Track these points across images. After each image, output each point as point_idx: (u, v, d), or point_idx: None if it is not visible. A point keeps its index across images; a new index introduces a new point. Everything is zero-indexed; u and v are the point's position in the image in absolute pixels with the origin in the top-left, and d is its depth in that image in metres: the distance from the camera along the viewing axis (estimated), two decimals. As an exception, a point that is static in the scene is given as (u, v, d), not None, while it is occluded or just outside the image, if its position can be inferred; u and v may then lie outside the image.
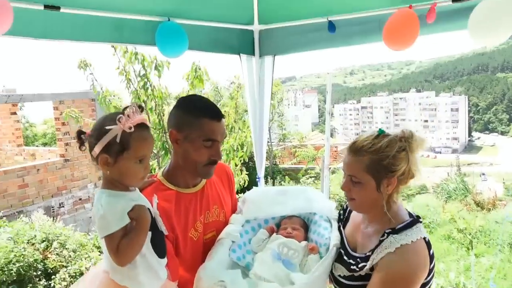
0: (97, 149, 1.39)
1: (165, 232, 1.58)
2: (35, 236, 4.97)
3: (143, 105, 1.51)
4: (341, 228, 1.87)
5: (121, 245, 1.37)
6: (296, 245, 1.89)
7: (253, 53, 3.12)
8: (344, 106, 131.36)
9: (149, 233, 1.48)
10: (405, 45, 2.35)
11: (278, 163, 18.21)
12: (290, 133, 19.86)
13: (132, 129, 1.37)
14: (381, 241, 1.55)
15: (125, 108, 1.42)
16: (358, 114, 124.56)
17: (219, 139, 1.74)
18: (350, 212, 1.89)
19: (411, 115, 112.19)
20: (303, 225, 2.06)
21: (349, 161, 1.63)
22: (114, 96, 4.83)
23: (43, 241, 4.99)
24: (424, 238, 1.55)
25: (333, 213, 2.02)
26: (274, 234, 1.97)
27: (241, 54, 3.09)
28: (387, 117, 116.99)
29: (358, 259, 1.62)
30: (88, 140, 1.43)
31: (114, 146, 1.38)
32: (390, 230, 1.56)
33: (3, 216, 7.03)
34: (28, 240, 4.98)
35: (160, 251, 1.53)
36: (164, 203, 1.71)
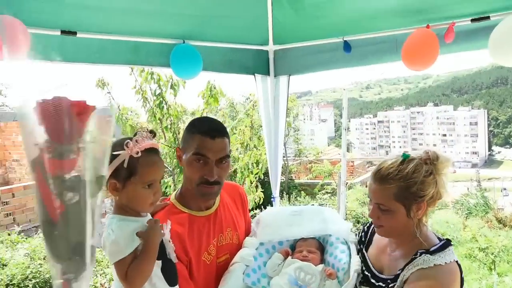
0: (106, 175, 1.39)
1: (174, 260, 1.55)
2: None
3: (155, 130, 1.51)
4: (363, 250, 1.82)
5: (129, 270, 1.36)
6: (313, 270, 1.84)
7: (268, 73, 3.12)
8: (360, 121, 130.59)
9: (159, 262, 1.46)
10: (425, 65, 2.31)
11: (294, 178, 18.11)
12: (306, 148, 19.76)
13: (139, 154, 1.37)
14: (413, 259, 1.52)
15: (136, 133, 1.43)
16: (374, 128, 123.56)
17: (209, 156, 1.69)
18: (372, 234, 1.84)
19: (429, 129, 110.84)
20: (319, 247, 2.00)
21: (376, 189, 1.59)
22: (131, 112, 4.88)
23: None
24: (457, 262, 1.52)
25: (350, 235, 1.97)
26: (289, 257, 1.93)
27: (256, 74, 3.09)
28: (404, 131, 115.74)
29: (388, 281, 1.58)
30: None
31: (122, 171, 1.37)
32: (423, 250, 1.53)
33: (22, 231, 7.12)
34: (44, 257, 5.01)
35: (170, 279, 1.51)
36: (178, 227, 1.69)
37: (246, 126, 5.18)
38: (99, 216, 1.04)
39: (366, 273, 1.71)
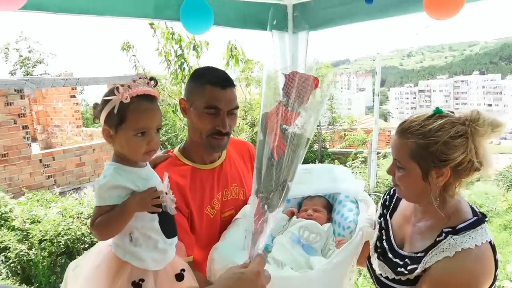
0: (102, 121, 1.37)
1: (172, 213, 1.51)
2: (82, 212, 5.21)
3: (156, 78, 1.45)
4: (387, 216, 1.63)
5: (99, 220, 1.34)
6: (318, 229, 1.78)
7: (286, 29, 2.98)
8: (400, 90, 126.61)
9: (155, 216, 1.43)
10: (449, 13, 2.11)
11: (328, 147, 17.89)
12: (340, 116, 19.32)
13: (128, 100, 1.32)
14: (437, 242, 1.32)
15: (136, 78, 1.39)
16: (415, 98, 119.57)
17: (222, 107, 1.64)
18: (399, 199, 1.62)
19: (473, 99, 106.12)
20: (325, 206, 1.94)
21: (395, 143, 1.41)
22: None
23: (90, 216, 5.21)
24: (490, 242, 1.30)
25: (360, 194, 1.88)
26: (294, 217, 1.87)
27: (273, 31, 2.96)
28: (446, 101, 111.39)
29: (406, 260, 1.40)
30: (94, 112, 1.42)
31: (113, 117, 1.34)
32: (449, 229, 1.32)
33: (62, 192, 7.47)
34: (77, 216, 5.23)
35: (168, 231, 1.48)
36: (179, 178, 1.67)
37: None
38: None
39: (385, 244, 1.53)
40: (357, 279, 4.72)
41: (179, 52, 4.55)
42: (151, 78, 1.42)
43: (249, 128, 5.42)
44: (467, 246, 1.26)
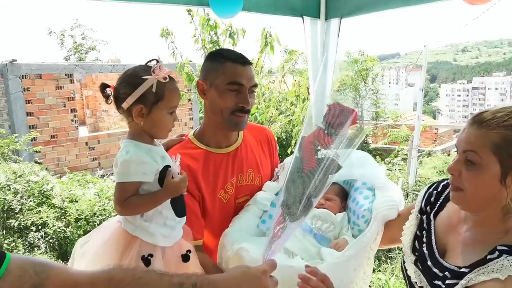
0: (130, 100, 1.40)
1: (183, 192, 1.53)
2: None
3: (167, 59, 1.48)
4: (431, 216, 1.41)
5: (131, 200, 1.38)
6: (332, 217, 1.72)
7: (318, 16, 2.88)
8: (452, 86, 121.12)
9: None
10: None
11: (369, 143, 17.47)
12: (384, 111, 18.78)
13: (167, 80, 1.39)
14: (488, 260, 1.13)
15: (149, 61, 1.43)
16: (467, 95, 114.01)
17: (244, 83, 1.64)
18: (447, 199, 1.39)
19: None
20: (339, 193, 1.86)
21: (470, 133, 1.17)
22: (189, 64, 4.91)
23: (125, 199, 5.38)
24: None
25: (378, 180, 1.77)
26: None
27: (304, 17, 2.87)
28: (502, 100, 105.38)
29: (446, 272, 1.22)
30: (118, 92, 1.43)
31: (149, 96, 1.39)
32: (505, 247, 1.13)
33: (104, 175, 7.77)
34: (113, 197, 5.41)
35: (179, 210, 1.51)
36: (191, 161, 1.67)
37: (306, 78, 4.96)
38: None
39: (425, 249, 1.34)
40: (389, 279, 4.58)
41: (214, 38, 4.56)
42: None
43: (284, 119, 5.36)
44: None
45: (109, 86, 1.45)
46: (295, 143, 5.05)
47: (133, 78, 1.40)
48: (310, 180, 1.25)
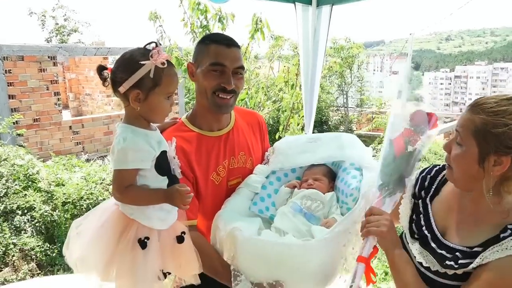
0: (126, 85, 1.38)
1: (179, 176, 1.56)
2: (105, 178, 5.36)
3: (160, 43, 1.48)
4: (427, 200, 1.48)
5: (132, 190, 1.39)
6: (321, 197, 1.77)
7: (309, 2, 2.90)
8: (435, 75, 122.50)
9: (165, 178, 1.48)
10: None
11: (354, 129, 17.63)
12: (369, 99, 18.95)
13: (166, 65, 1.38)
14: (502, 238, 1.21)
15: (148, 44, 1.41)
16: (450, 84, 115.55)
17: (227, 64, 1.67)
18: (442, 183, 1.48)
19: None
20: (326, 174, 1.91)
21: (463, 116, 1.28)
22: (177, 47, 4.88)
23: (112, 182, 5.36)
24: None
25: (365, 160, 1.84)
26: (296, 189, 1.86)
27: (296, 3, 2.89)
28: (483, 88, 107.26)
29: (457, 253, 1.28)
30: (115, 75, 1.42)
31: (146, 81, 1.38)
32: None
33: (89, 160, 7.70)
34: (100, 181, 5.39)
35: None
36: (184, 143, 1.70)
37: (294, 64, 4.98)
38: (413, 168, 1.55)
39: (426, 232, 1.40)
40: (372, 261, 4.70)
41: (204, 23, 4.53)
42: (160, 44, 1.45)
43: (272, 105, 5.39)
44: None
45: (106, 68, 1.43)
46: (283, 129, 5.11)
47: (130, 62, 1.38)
48: (398, 166, 1.53)
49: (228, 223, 1.62)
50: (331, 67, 6.00)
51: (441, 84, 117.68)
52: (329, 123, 16.07)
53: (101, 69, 1.43)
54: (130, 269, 1.43)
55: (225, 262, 1.63)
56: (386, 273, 4.65)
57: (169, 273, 1.55)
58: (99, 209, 1.54)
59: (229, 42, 1.70)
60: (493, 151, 1.20)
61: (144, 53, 1.37)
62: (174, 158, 1.55)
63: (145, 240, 1.43)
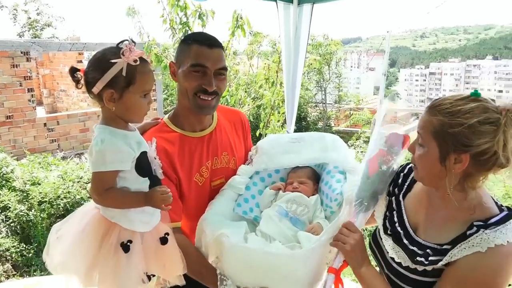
0: (100, 85, 1.35)
1: (160, 177, 1.54)
2: (82, 177, 5.26)
3: (134, 40, 1.44)
4: (400, 197, 1.52)
5: (111, 193, 1.37)
6: (306, 201, 1.78)
7: (291, 1, 2.91)
8: (410, 71, 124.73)
9: (146, 179, 1.46)
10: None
11: (332, 125, 17.81)
12: (346, 95, 19.18)
13: (138, 62, 1.34)
14: (468, 235, 1.24)
15: (121, 42, 1.37)
16: (425, 80, 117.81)
17: (208, 65, 1.64)
18: (414, 180, 1.51)
19: (484, 84, 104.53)
20: (311, 176, 1.91)
21: (422, 119, 1.33)
22: (156, 45, 4.81)
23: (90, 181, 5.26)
24: None
25: (348, 164, 1.85)
26: (281, 192, 1.86)
27: (278, 1, 2.89)
28: (457, 85, 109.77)
29: (428, 250, 1.32)
30: (88, 76, 1.39)
31: (119, 80, 1.34)
32: (480, 223, 1.24)
33: (65, 157, 7.53)
34: (78, 180, 5.29)
35: None
36: (167, 145, 1.68)
37: (274, 62, 4.98)
38: (384, 187, 1.60)
39: (398, 228, 1.44)
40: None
41: (184, 19, 4.48)
42: (133, 41, 1.41)
43: (252, 102, 5.38)
44: (500, 242, 1.19)
45: (78, 70, 1.39)
46: (263, 126, 5.11)
47: (102, 61, 1.35)
48: (373, 183, 1.57)
49: (214, 228, 1.62)
50: (311, 64, 6.03)
51: (417, 80, 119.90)
52: (308, 119, 16.18)
53: (73, 71, 1.40)
54: (113, 273, 1.41)
55: (210, 266, 1.63)
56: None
57: (153, 275, 1.53)
58: (79, 212, 1.51)
59: (211, 43, 1.66)
60: (452, 150, 1.24)
61: (115, 51, 1.34)
62: (155, 158, 1.53)
63: (128, 243, 1.41)
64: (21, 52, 8.77)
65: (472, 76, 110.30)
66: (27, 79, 8.92)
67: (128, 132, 1.43)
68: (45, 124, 9.29)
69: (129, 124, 1.47)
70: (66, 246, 1.43)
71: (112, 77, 1.34)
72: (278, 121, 5.07)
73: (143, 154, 1.46)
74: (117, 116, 1.41)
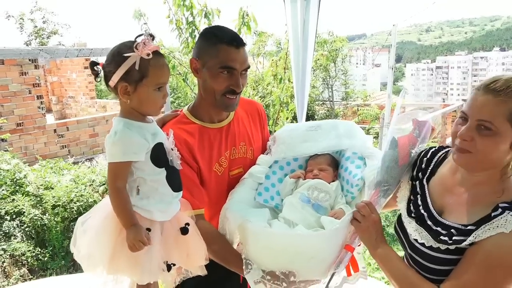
0: (115, 78, 1.39)
1: (178, 167, 1.56)
2: (94, 180, 5.29)
3: (154, 34, 1.45)
4: (424, 181, 1.52)
5: (120, 192, 1.40)
6: (327, 187, 1.78)
7: (298, -6, 2.90)
8: (417, 66, 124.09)
9: (163, 170, 1.49)
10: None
11: (340, 122, 17.69)
12: (353, 92, 19.09)
13: (150, 56, 1.36)
14: (492, 217, 1.24)
15: (138, 36, 1.40)
16: (431, 75, 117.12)
17: (237, 67, 1.65)
18: (438, 164, 1.51)
19: (492, 75, 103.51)
20: (331, 163, 1.91)
21: (484, 102, 1.24)
22: (163, 46, 4.82)
23: (102, 184, 5.31)
24: None
25: (367, 149, 1.85)
26: (301, 180, 1.86)
27: (284, -5, 2.89)
28: (464, 78, 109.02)
29: (452, 230, 1.32)
30: (105, 69, 1.42)
31: (133, 73, 1.37)
32: (506, 205, 1.24)
33: (76, 162, 7.59)
34: (90, 183, 5.32)
35: (174, 185, 1.53)
36: (187, 136, 1.70)
37: (280, 58, 4.98)
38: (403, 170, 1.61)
39: (422, 211, 1.44)
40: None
41: (190, 19, 4.49)
42: (150, 35, 1.42)
43: (260, 100, 5.38)
44: None
45: (98, 64, 1.43)
46: (273, 123, 5.10)
47: (117, 55, 1.39)
48: (402, 171, 1.58)
49: (238, 215, 1.64)
50: (318, 59, 6.01)
51: (423, 75, 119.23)
52: (316, 117, 16.15)
53: (93, 64, 1.43)
54: (133, 261, 1.43)
55: (235, 251, 1.65)
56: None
57: (174, 265, 1.54)
58: (102, 204, 1.54)
59: (238, 43, 1.64)
60: None
61: (130, 45, 1.37)
62: (172, 149, 1.55)
63: (147, 231, 1.43)
64: (29, 60, 8.86)
65: (480, 68, 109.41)
66: (36, 86, 9.01)
67: (144, 124, 1.46)
68: (55, 131, 9.37)
69: (147, 116, 1.50)
70: (91, 237, 1.46)
71: (126, 71, 1.37)
72: (287, 118, 5.06)
73: (159, 145, 1.48)
74: (133, 109, 1.43)
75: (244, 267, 1.55)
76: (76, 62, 11.58)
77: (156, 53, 1.40)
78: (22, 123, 8.73)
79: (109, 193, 1.43)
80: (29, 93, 8.86)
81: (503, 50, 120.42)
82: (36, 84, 9.00)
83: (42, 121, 9.13)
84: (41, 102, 9.12)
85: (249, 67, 1.73)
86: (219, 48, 1.63)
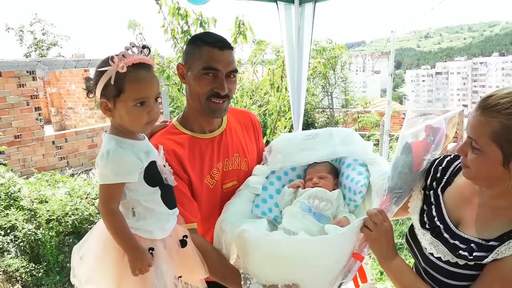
0: (98, 94, 1.32)
1: (172, 184, 1.49)
2: (89, 193, 5.21)
3: (149, 45, 1.38)
4: (438, 191, 1.45)
5: (116, 217, 1.33)
6: (328, 195, 1.70)
7: (292, 1, 2.84)
8: (416, 72, 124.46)
9: (157, 189, 1.42)
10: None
11: (340, 130, 17.65)
12: (353, 99, 19.05)
13: (124, 69, 1.27)
14: None
15: (126, 47, 1.32)
16: (431, 80, 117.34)
17: (220, 68, 1.59)
18: (455, 173, 1.45)
19: (492, 81, 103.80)
20: (330, 171, 1.84)
21: (474, 120, 1.22)
22: (158, 55, 4.77)
23: (98, 197, 5.21)
24: None
25: (368, 155, 1.79)
26: (300, 189, 1.78)
27: (278, 2, 2.83)
28: (464, 83, 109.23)
29: (472, 245, 1.26)
30: (89, 86, 1.36)
31: (110, 88, 1.30)
32: None
33: (74, 174, 7.51)
34: (85, 196, 5.23)
35: (170, 203, 1.47)
36: (176, 147, 1.63)
37: (278, 67, 4.92)
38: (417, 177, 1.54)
39: (438, 223, 1.37)
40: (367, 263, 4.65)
41: (185, 28, 4.44)
42: (144, 46, 1.36)
43: (257, 108, 5.32)
44: None
45: (91, 79, 1.36)
46: (270, 132, 5.03)
47: (96, 70, 1.32)
48: (415, 178, 1.51)
49: (235, 226, 1.55)
50: (316, 67, 5.96)
51: (423, 81, 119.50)
52: (316, 125, 16.10)
53: (87, 80, 1.37)
54: (143, 283, 1.37)
55: (232, 266, 1.58)
56: (382, 273, 4.61)
57: (181, 277, 1.50)
58: (97, 228, 1.46)
59: (223, 45, 1.61)
60: None
61: (107, 59, 1.29)
62: (164, 166, 1.48)
63: (150, 251, 1.37)
64: (27, 72, 8.83)
65: (479, 73, 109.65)
66: (34, 98, 8.97)
67: (136, 142, 1.39)
68: (53, 142, 9.33)
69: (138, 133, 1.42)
70: (90, 264, 1.40)
71: (103, 86, 1.30)
72: (285, 127, 4.99)
73: (152, 163, 1.41)
74: (120, 125, 1.36)
75: (242, 282, 1.47)
76: (75, 73, 11.58)
77: (138, 65, 1.31)
78: (20, 135, 8.68)
79: (103, 217, 1.35)
80: (27, 105, 8.82)
81: (503, 55, 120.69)
82: (34, 95, 8.97)
83: (40, 132, 9.08)
84: (39, 113, 9.08)
85: (236, 71, 1.67)
86: (202, 49, 1.59)
